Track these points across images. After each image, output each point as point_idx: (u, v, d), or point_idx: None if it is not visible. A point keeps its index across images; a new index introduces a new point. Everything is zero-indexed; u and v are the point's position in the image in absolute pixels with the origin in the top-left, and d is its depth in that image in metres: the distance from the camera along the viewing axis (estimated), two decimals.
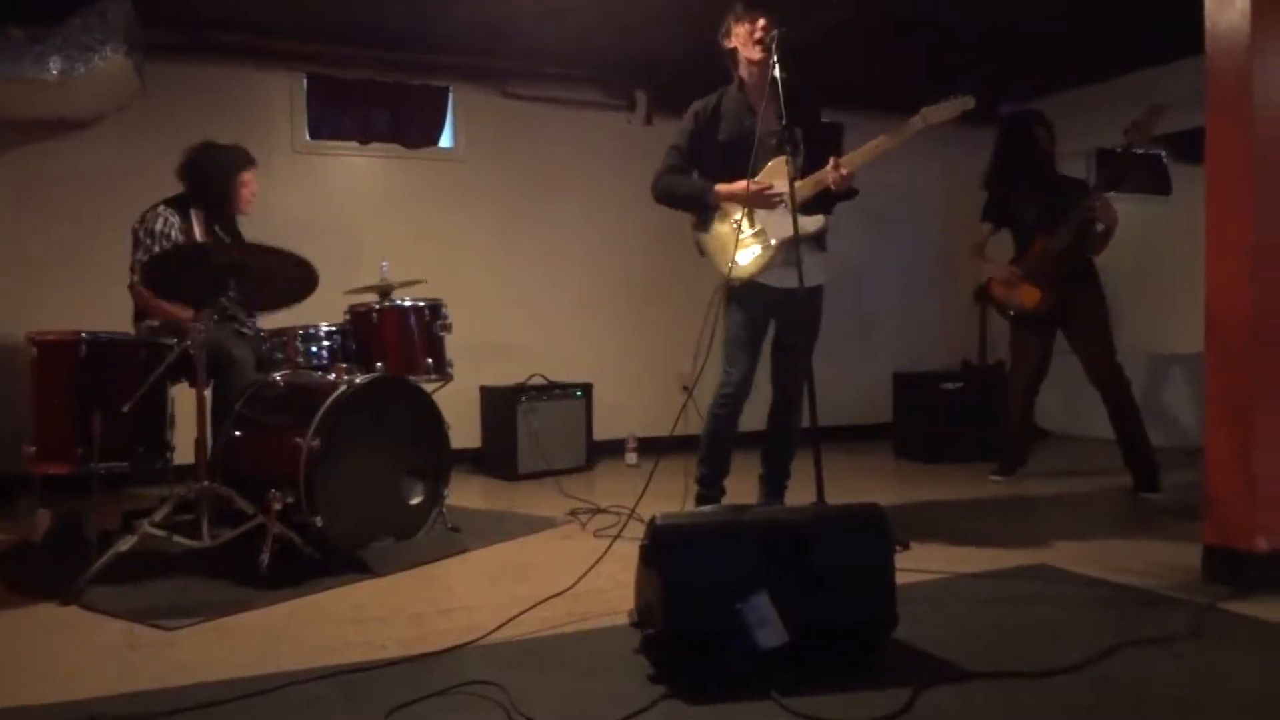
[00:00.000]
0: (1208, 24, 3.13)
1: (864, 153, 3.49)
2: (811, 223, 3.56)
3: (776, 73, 3.26)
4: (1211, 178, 3.15)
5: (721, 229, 3.68)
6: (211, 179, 3.96)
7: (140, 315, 3.88)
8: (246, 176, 4.04)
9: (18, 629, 2.78)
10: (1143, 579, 3.11)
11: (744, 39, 3.58)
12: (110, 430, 3.27)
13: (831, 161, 3.48)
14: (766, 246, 3.58)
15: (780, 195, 3.50)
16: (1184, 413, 5.85)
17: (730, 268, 3.57)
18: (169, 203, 3.91)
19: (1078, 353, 4.70)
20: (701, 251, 3.82)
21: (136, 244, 3.86)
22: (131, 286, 3.85)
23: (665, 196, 3.78)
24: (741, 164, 3.53)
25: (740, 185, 3.53)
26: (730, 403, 3.68)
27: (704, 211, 3.74)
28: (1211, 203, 3.15)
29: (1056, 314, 4.73)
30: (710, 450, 3.76)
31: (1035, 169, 4.72)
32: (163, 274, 3.42)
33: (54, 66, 4.22)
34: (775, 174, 3.54)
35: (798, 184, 3.37)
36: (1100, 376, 4.60)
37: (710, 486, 3.78)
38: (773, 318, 3.74)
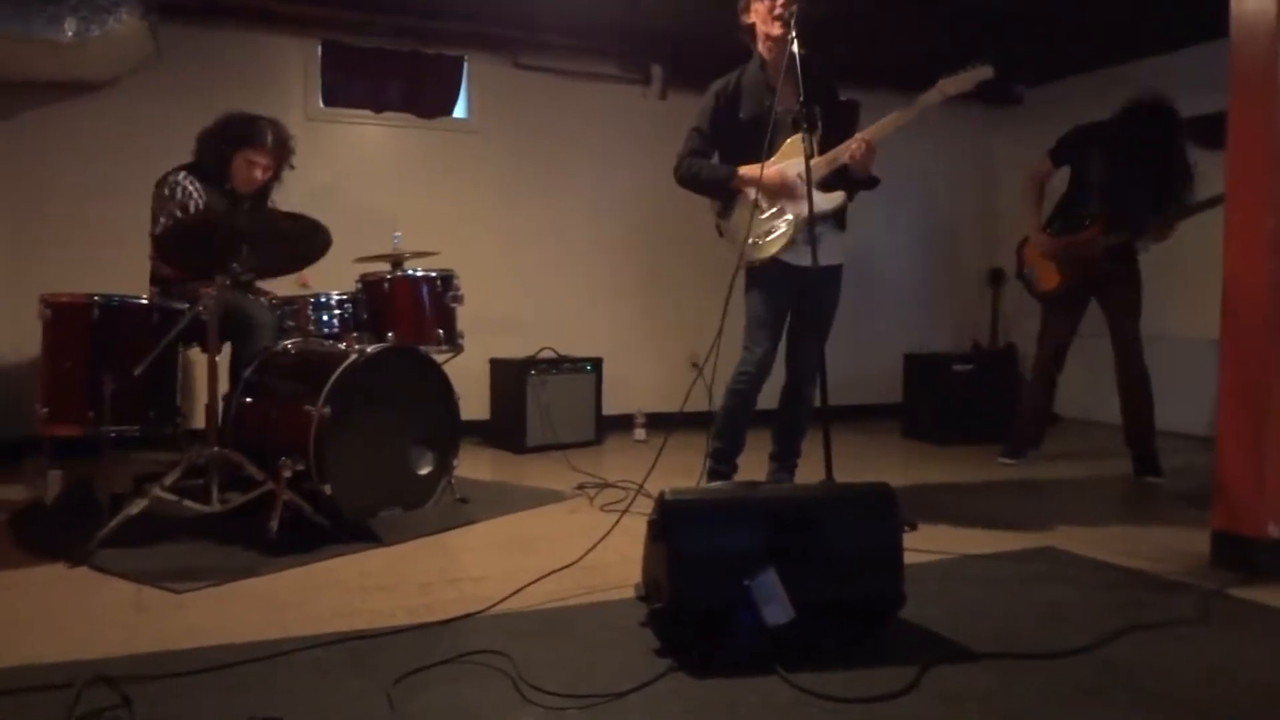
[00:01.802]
0: (1232, 6, 3.09)
1: (881, 126, 3.47)
2: (830, 200, 3.54)
3: (795, 48, 3.23)
4: (1232, 162, 3.12)
5: (742, 212, 3.65)
6: (210, 152, 3.88)
7: (156, 278, 3.88)
8: (251, 155, 3.89)
9: (28, 589, 2.80)
10: (1150, 564, 3.11)
11: (764, 15, 3.55)
12: (121, 393, 3.28)
13: (856, 137, 3.45)
14: (786, 225, 3.56)
15: (799, 175, 3.48)
16: (1194, 399, 5.82)
17: (750, 248, 3.56)
18: (188, 168, 3.88)
19: (1113, 335, 4.65)
20: (721, 233, 3.80)
21: (155, 217, 3.81)
22: (152, 257, 3.82)
23: (688, 181, 3.74)
24: (760, 142, 3.50)
25: (766, 169, 3.50)
26: (750, 381, 3.67)
27: (727, 196, 3.72)
28: (1232, 187, 3.12)
29: (1083, 293, 4.71)
30: (726, 427, 3.75)
31: (1142, 164, 4.59)
32: (175, 245, 3.40)
33: (69, 27, 4.20)
34: (791, 152, 3.52)
35: (814, 161, 3.34)
36: (1127, 366, 4.59)
37: (724, 463, 3.77)
38: (792, 295, 3.72)
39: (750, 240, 3.57)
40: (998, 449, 5.12)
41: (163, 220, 3.76)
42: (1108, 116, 4.70)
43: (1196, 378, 5.78)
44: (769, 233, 3.59)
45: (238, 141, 3.88)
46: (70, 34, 4.21)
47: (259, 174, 3.95)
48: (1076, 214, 4.73)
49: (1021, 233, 4.98)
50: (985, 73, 3.36)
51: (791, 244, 3.56)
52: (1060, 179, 4.86)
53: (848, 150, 3.47)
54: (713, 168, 3.70)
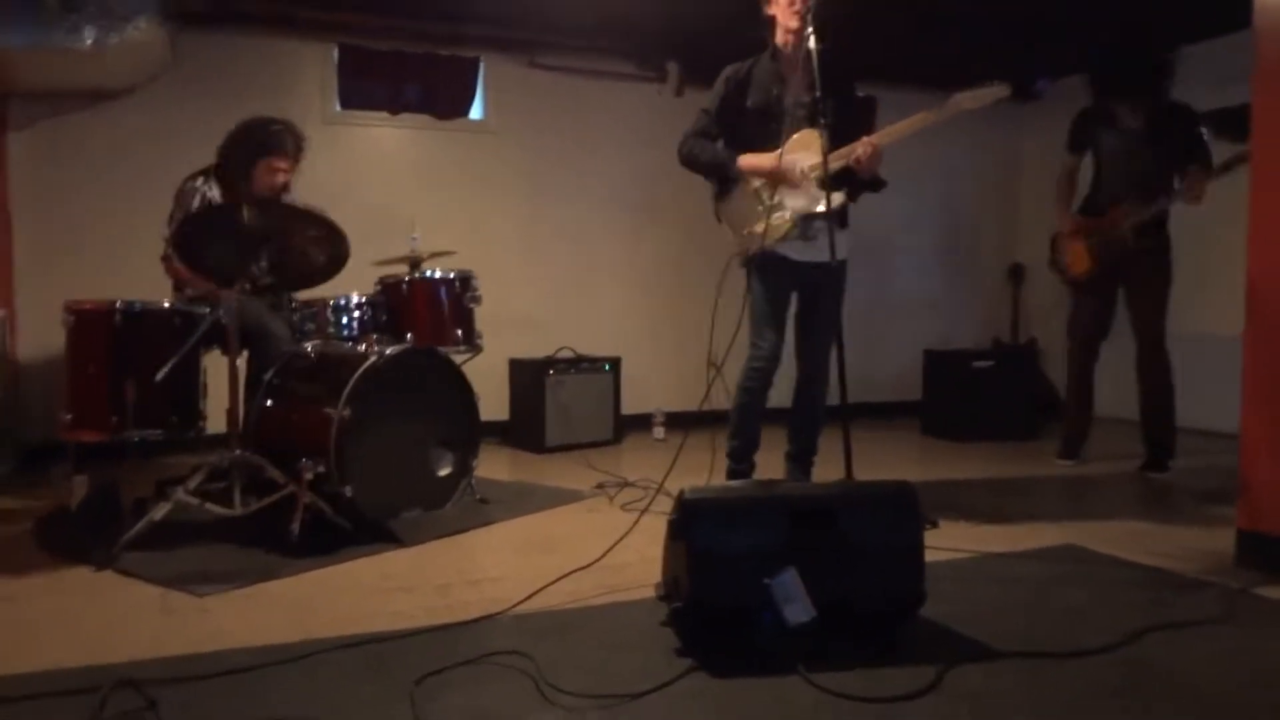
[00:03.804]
0: None
1: (891, 131, 3.46)
2: (833, 198, 3.53)
3: (811, 43, 3.23)
4: (1257, 155, 3.08)
5: (740, 199, 3.66)
6: (232, 160, 3.92)
7: (179, 285, 3.91)
8: (275, 162, 3.93)
9: (54, 593, 2.83)
10: (1173, 562, 3.08)
11: (783, 8, 3.55)
12: (144, 398, 3.31)
13: (864, 140, 3.45)
14: (783, 220, 3.57)
15: (802, 171, 3.48)
16: (1216, 396, 5.77)
17: (747, 237, 3.57)
18: (205, 173, 3.91)
19: (1133, 321, 4.59)
20: (719, 218, 3.81)
21: (171, 219, 3.86)
22: (164, 258, 3.85)
23: (689, 160, 3.76)
24: (767, 132, 3.53)
25: (766, 157, 3.51)
26: (759, 376, 3.68)
27: (725, 181, 3.72)
28: (1256, 180, 3.08)
29: (1112, 278, 4.62)
30: (740, 424, 3.76)
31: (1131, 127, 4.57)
32: (193, 243, 3.42)
33: (88, 36, 4.23)
34: (802, 145, 3.52)
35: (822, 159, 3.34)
36: (1147, 353, 4.54)
37: (740, 461, 3.78)
38: (795, 291, 3.72)
39: (747, 231, 3.58)
40: (1018, 446, 5.08)
41: (171, 230, 3.79)
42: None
43: (1219, 373, 5.75)
44: (767, 224, 3.59)
45: (260, 150, 3.92)
46: (89, 43, 4.24)
47: (281, 179, 4.00)
48: (1100, 197, 4.67)
49: (1050, 228, 4.94)
50: (1002, 91, 3.37)
51: (787, 238, 3.57)
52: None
53: (853, 153, 3.46)
54: (713, 150, 3.70)
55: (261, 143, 3.93)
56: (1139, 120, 4.54)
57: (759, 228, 3.57)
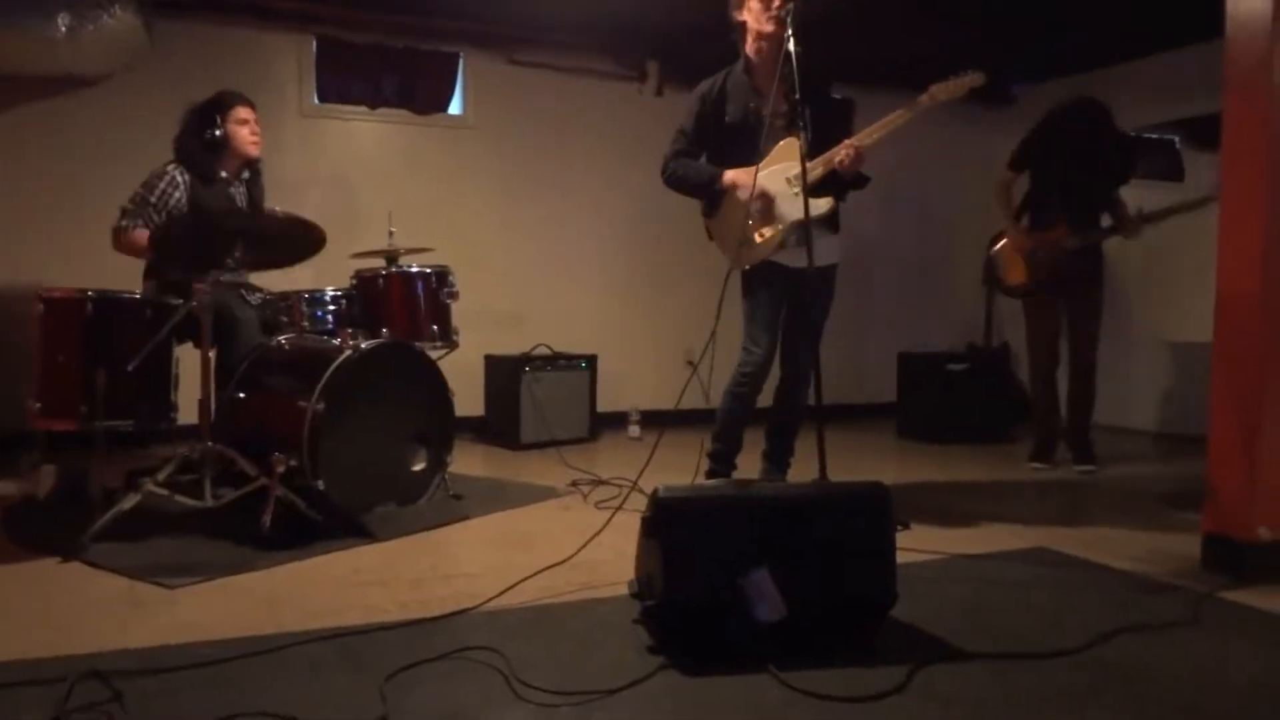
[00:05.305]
0: (1228, 7, 3.09)
1: (872, 131, 3.48)
2: (818, 205, 3.53)
3: (791, 46, 3.22)
4: (1228, 163, 3.12)
5: (729, 214, 3.65)
6: (205, 131, 3.89)
7: (149, 274, 3.87)
8: (242, 114, 3.94)
9: (21, 583, 2.80)
10: (1141, 565, 3.12)
11: (757, 14, 3.53)
12: (115, 388, 3.26)
13: (845, 144, 3.46)
14: (775, 229, 3.57)
15: (788, 180, 3.49)
16: (1184, 400, 5.85)
17: (741, 251, 3.56)
18: (180, 162, 3.88)
19: (1069, 340, 4.78)
20: (711, 236, 3.80)
21: (134, 197, 3.82)
22: (115, 230, 3.80)
23: (675, 183, 3.74)
24: (747, 146, 3.50)
25: (748, 173, 3.49)
26: (751, 382, 3.68)
27: (711, 198, 3.72)
28: (1227, 188, 3.12)
29: (1053, 290, 4.76)
30: (726, 428, 3.76)
31: (1081, 158, 4.70)
32: (169, 240, 3.40)
33: (62, 22, 4.18)
34: (784, 155, 3.52)
35: (807, 165, 3.34)
36: (1077, 361, 4.74)
37: (722, 463, 3.78)
38: (787, 296, 3.72)
39: (741, 246, 3.57)
40: (991, 448, 5.13)
41: (128, 205, 3.79)
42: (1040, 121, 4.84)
43: (1188, 379, 5.83)
44: (759, 236, 3.59)
45: (224, 108, 3.93)
46: (64, 29, 4.19)
47: (252, 129, 3.99)
48: (1042, 213, 4.82)
49: (997, 229, 5.04)
50: (976, 79, 3.41)
51: (782, 246, 3.57)
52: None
53: (835, 157, 3.47)
54: (698, 170, 3.69)
55: (219, 104, 3.93)
56: (1089, 145, 4.67)
57: (752, 241, 3.56)
